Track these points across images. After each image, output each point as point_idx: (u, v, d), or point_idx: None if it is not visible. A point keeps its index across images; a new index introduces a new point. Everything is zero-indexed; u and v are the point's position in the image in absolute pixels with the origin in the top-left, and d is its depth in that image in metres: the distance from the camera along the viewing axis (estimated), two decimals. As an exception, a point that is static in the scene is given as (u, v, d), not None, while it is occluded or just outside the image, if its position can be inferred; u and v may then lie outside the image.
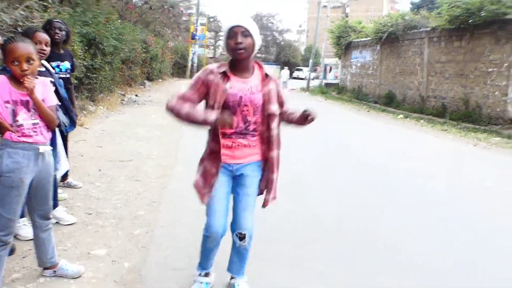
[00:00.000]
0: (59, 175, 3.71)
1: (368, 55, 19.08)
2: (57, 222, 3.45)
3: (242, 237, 2.42)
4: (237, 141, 2.35)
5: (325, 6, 31.23)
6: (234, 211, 2.46)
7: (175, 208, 4.03)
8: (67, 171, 4.44)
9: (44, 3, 8.10)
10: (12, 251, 2.91)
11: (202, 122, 2.26)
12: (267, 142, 2.40)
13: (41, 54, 3.22)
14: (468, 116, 11.73)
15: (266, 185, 2.48)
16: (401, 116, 13.26)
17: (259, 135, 2.39)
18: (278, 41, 55.29)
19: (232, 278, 2.64)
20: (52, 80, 3.32)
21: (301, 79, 39.71)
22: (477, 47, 11.79)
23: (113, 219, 3.66)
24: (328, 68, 38.85)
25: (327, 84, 28.33)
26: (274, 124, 2.38)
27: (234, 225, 2.46)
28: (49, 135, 2.48)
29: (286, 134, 2.54)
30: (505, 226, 4.00)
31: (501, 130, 10.26)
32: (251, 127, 2.36)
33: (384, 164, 6.35)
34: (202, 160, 2.44)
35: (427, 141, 8.76)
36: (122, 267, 2.83)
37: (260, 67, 2.42)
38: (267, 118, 2.37)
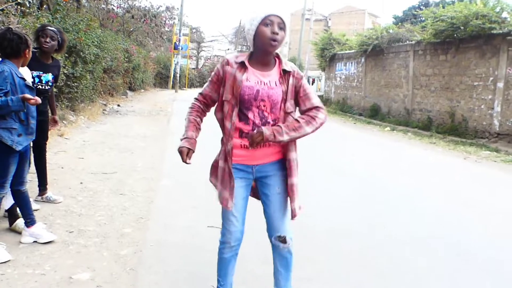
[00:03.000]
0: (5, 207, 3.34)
1: (352, 68, 19.12)
2: (34, 241, 3.11)
3: (282, 240, 2.24)
4: None
5: (307, 19, 31.45)
6: (267, 214, 2.25)
7: (164, 225, 3.73)
8: (46, 185, 4.11)
9: (22, 8, 7.76)
10: (-18, 277, 2.57)
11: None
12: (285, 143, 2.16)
13: None
14: (454, 129, 11.73)
15: (288, 192, 2.25)
16: (388, 128, 13.21)
17: None
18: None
19: None
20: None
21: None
22: (462, 61, 11.85)
23: (97, 238, 3.33)
24: (311, 80, 39.04)
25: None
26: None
27: (271, 230, 2.25)
28: None
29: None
30: (503, 244, 3.83)
31: (488, 143, 10.27)
32: (270, 125, 2.14)
33: (377, 178, 6.16)
34: (216, 162, 2.24)
35: (417, 155, 8.65)
36: (109, 294, 2.52)
37: (280, 61, 2.18)
38: (284, 116, 2.16)
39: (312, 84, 40.02)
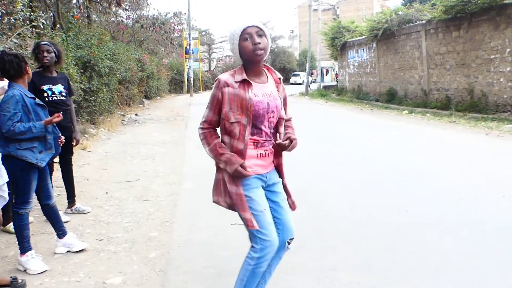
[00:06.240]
0: None
1: (364, 54, 18.95)
2: (67, 251, 3.26)
3: (289, 242, 2.32)
4: (269, 148, 2.23)
5: (315, 10, 31.23)
6: (281, 220, 2.28)
7: (189, 227, 3.84)
8: (74, 197, 4.27)
9: (37, 30, 8.00)
10: (22, 287, 2.72)
11: (220, 164, 2.17)
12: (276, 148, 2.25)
13: None
14: (475, 106, 11.51)
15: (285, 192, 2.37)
16: (406, 112, 13.07)
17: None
18: (272, 48, 55.46)
19: None
20: None
21: (299, 84, 39.67)
22: (476, 35, 11.62)
23: (125, 244, 3.46)
24: (324, 71, 38.77)
25: (325, 87, 28.21)
26: (281, 129, 2.30)
27: (286, 234, 2.29)
28: None
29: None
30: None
31: (510, 117, 10.05)
32: (273, 133, 2.25)
33: (397, 162, 6.15)
34: (219, 181, 2.24)
35: (437, 135, 8.55)
36: (141, 295, 2.63)
37: (270, 70, 2.28)
38: (279, 123, 2.27)
39: (326, 74, 39.77)
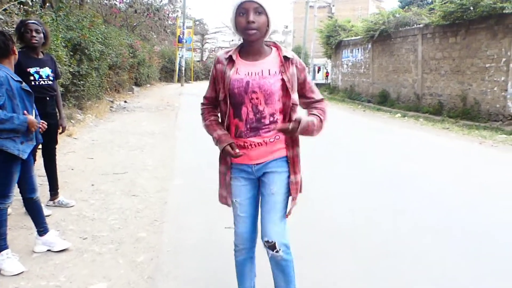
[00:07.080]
0: None
1: (359, 54, 18.83)
2: (48, 250, 3.03)
3: (271, 246, 2.01)
4: (249, 140, 2.00)
5: (311, 6, 31.03)
6: (261, 216, 2.10)
7: (180, 228, 3.63)
8: (57, 189, 4.03)
9: (25, 7, 7.65)
10: (-5, 290, 2.49)
11: (213, 141, 2.09)
12: (288, 137, 2.04)
13: None
14: (467, 113, 11.49)
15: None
16: (399, 115, 12.99)
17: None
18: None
19: None
20: None
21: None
22: (473, 42, 11.57)
23: (111, 244, 3.23)
24: (317, 68, 38.65)
25: (316, 85, 28.07)
26: (294, 116, 1.99)
27: (262, 233, 2.07)
28: None
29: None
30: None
31: (502, 126, 10.04)
32: (266, 120, 1.98)
33: (391, 167, 6.01)
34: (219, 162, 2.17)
35: (431, 141, 8.45)
36: (127, 306, 2.43)
37: (278, 49, 2.05)
38: (289, 108, 1.99)
39: (318, 72, 39.67)
